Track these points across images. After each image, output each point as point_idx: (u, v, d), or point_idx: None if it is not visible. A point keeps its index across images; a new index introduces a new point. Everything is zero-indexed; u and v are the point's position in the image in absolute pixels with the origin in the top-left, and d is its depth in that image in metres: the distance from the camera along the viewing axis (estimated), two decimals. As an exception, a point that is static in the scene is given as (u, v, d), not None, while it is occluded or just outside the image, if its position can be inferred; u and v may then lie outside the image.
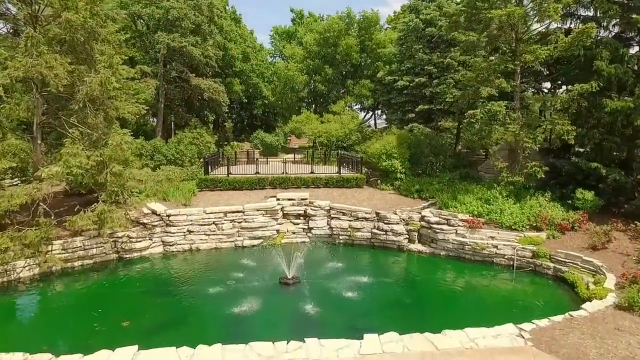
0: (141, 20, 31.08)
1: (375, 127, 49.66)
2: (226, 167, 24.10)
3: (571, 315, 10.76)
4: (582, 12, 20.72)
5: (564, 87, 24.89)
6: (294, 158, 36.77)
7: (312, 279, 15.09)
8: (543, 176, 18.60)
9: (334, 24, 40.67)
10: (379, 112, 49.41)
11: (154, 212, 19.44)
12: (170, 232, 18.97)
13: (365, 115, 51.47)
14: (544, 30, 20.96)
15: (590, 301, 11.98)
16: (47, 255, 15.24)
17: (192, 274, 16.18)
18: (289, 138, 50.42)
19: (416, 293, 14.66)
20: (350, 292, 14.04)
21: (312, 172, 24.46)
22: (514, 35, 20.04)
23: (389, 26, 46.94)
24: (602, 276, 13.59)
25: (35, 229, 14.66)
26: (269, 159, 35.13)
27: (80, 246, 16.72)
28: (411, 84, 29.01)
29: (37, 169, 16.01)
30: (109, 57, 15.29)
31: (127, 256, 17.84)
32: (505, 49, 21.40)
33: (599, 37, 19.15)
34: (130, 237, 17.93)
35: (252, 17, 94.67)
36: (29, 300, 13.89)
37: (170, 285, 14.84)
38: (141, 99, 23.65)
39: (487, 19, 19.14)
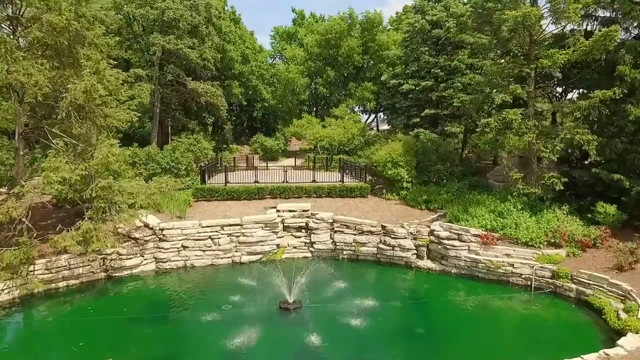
0: (137, 21, 29.89)
1: (378, 130, 48.49)
2: (224, 175, 22.92)
3: (607, 355, 9.59)
4: (601, 13, 19.53)
5: (575, 92, 23.74)
6: (295, 163, 35.67)
7: (314, 303, 13.90)
8: (562, 188, 17.43)
9: (336, 25, 39.48)
10: (382, 114, 48.24)
11: (146, 226, 18.30)
12: (163, 248, 17.81)
13: (367, 119, 50.31)
14: (558, 32, 19.83)
15: (625, 334, 10.82)
16: (27, 277, 14.06)
17: (185, 296, 15.01)
18: (289, 140, 49.28)
19: (428, 320, 13.48)
20: (356, 318, 12.87)
21: (313, 181, 23.28)
22: (528, 38, 18.86)
23: (391, 27, 45.73)
24: (633, 302, 12.39)
25: (13, 250, 13.47)
26: (268, 164, 34.14)
27: (65, 265, 15.56)
28: (417, 88, 27.82)
29: (19, 182, 14.88)
30: (94, 63, 14.08)
31: (116, 275, 16.69)
32: (517, 52, 20.23)
33: (619, 40, 17.96)
34: (120, 254, 16.77)
35: (254, 18, 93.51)
36: (4, 330, 12.65)
37: (161, 311, 13.63)
38: (133, 105, 22.48)
39: (501, 20, 17.93)
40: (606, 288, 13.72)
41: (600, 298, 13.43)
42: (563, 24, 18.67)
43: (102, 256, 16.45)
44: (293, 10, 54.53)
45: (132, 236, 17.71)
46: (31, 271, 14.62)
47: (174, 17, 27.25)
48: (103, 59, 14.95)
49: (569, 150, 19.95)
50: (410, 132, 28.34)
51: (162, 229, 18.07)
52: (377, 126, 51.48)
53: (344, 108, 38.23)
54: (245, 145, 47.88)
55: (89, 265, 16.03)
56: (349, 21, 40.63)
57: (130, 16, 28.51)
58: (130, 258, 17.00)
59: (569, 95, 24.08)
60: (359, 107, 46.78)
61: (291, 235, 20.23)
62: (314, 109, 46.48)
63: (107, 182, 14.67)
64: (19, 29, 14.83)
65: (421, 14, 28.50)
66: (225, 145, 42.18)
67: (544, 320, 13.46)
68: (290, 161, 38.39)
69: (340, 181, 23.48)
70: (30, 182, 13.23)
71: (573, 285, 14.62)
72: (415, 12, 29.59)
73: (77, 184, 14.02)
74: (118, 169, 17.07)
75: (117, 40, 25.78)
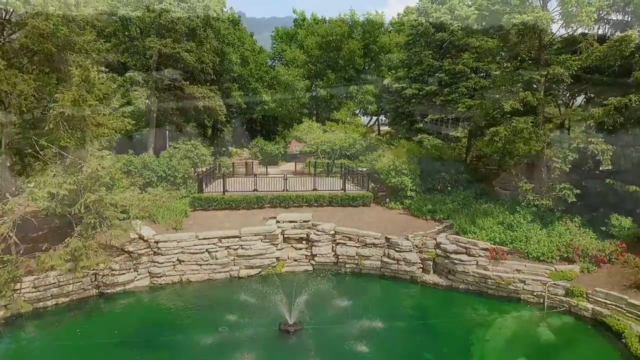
0: (133, 24, 29.11)
1: (379, 133, 47.76)
2: (222, 184, 22.14)
3: (634, 390, 8.84)
4: (613, 16, 18.76)
5: (583, 97, 22.98)
6: (295, 168, 34.93)
7: (316, 324, 13.15)
8: (574, 200, 16.68)
9: (337, 27, 38.80)
10: (383, 117, 47.55)
11: (141, 238, 17.53)
12: (158, 262, 17.05)
13: (369, 121, 49.57)
14: (568, 36, 19.07)
15: (649, 364, 10.09)
16: (14, 297, 13.31)
17: (179, 316, 14.25)
18: (289, 143, 48.57)
19: (437, 343, 12.70)
20: (361, 343, 12.11)
21: (314, 189, 22.52)
22: (537, 42, 18.10)
23: (393, 29, 44.98)
24: (656, 326, 11.67)
25: (-2, 268, 12.73)
26: (268, 169, 33.43)
27: (54, 282, 14.75)
28: (420, 92, 27.07)
29: (5, 196, 14.14)
30: (84, 70, 13.32)
31: (108, 291, 15.92)
32: (525, 56, 19.47)
33: (634, 45, 17.20)
34: (113, 270, 16.00)
35: (256, 19, 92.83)
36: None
37: (153, 333, 12.89)
38: (127, 112, 21.69)
39: (510, 24, 17.18)
40: (625, 309, 12.97)
41: (619, 320, 12.69)
42: (574, 27, 17.93)
43: (94, 272, 15.65)
44: (294, 12, 53.78)
45: (126, 250, 16.94)
46: (17, 290, 13.87)
47: (171, 19, 26.51)
48: (93, 65, 14.19)
49: (576, 157, 19.21)
50: (413, 138, 27.61)
51: (157, 242, 17.31)
52: (379, 129, 50.79)
53: (345, 111, 37.52)
54: (244, 149, 47.13)
55: (79, 282, 15.24)
56: (349, 23, 39.93)
57: (127, 19, 27.74)
58: (123, 273, 16.24)
59: (577, 100, 23.36)
60: (360, 110, 46.08)
61: (291, 247, 19.46)
62: (315, 111, 45.74)
63: (98, 195, 13.91)
64: (5, 33, 14.07)
65: (425, 16, 27.76)
66: (224, 149, 41.43)
67: (559, 343, 12.73)
68: (290, 165, 37.67)
69: (342, 189, 22.74)
70: (14, 199, 12.45)
71: (589, 305, 13.87)
72: (419, 14, 28.83)
73: (65, 198, 13.27)
74: (110, 181, 16.30)
75: (112, 44, 25.05)
